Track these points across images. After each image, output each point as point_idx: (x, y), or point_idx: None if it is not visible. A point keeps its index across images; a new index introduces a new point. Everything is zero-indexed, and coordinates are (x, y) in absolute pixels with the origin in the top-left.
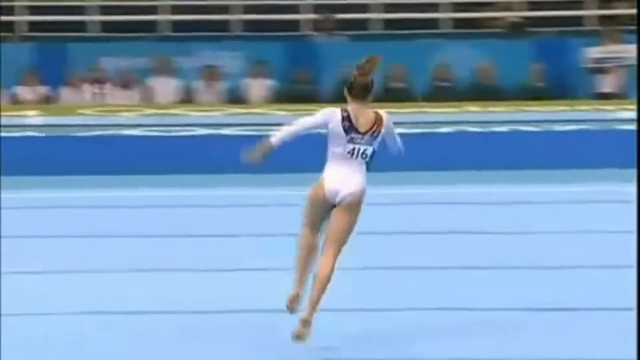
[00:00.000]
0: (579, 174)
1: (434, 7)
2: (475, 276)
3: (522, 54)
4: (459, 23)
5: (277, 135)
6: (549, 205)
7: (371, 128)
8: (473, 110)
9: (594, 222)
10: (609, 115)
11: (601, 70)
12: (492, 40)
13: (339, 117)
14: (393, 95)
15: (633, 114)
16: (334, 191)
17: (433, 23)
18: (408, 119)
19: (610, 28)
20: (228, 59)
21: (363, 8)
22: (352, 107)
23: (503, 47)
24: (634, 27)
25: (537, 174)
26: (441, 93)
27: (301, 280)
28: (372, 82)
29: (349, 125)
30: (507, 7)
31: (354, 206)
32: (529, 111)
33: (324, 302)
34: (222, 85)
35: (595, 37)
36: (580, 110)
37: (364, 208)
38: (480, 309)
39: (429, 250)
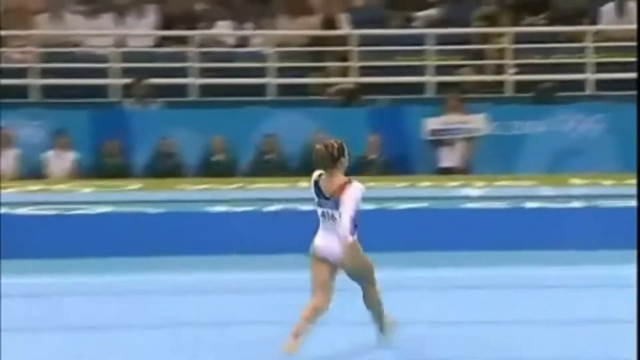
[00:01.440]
0: (421, 257)
1: (258, 72)
2: None
3: (357, 123)
4: (286, 89)
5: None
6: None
7: (334, 193)
8: (304, 187)
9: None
10: (452, 193)
11: (443, 143)
12: (324, 108)
13: (313, 185)
14: (213, 170)
15: (479, 192)
16: (323, 252)
17: (258, 89)
18: (231, 196)
19: (451, 96)
20: (25, 129)
21: (180, 72)
22: (323, 174)
23: (336, 116)
24: (477, 96)
25: (377, 257)
26: (268, 167)
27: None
28: (334, 152)
29: (317, 190)
30: (340, 73)
31: (347, 263)
32: (366, 187)
33: None
34: (15, 153)
35: (436, 106)
36: (421, 187)
37: (359, 254)
38: None
39: None
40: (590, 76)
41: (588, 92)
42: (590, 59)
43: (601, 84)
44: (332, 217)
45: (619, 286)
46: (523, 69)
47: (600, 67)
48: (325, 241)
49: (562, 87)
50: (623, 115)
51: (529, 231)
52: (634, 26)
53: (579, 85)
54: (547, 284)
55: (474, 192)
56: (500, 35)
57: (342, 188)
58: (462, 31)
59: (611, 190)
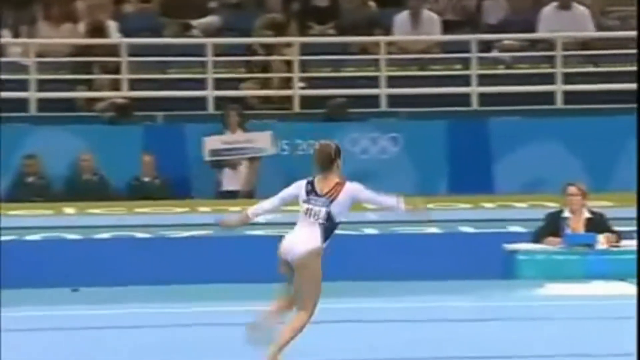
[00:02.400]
0: (202, 290)
1: (17, 85)
2: None
3: (130, 142)
4: (49, 104)
5: (256, 208)
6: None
7: (329, 192)
8: (70, 213)
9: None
10: None
11: (225, 164)
12: (92, 125)
13: (304, 183)
14: None
15: (264, 217)
16: (285, 250)
17: (17, 104)
18: None
19: (233, 112)
20: None
21: None
22: (317, 175)
23: (106, 134)
24: (262, 112)
25: (153, 292)
26: (29, 191)
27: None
28: (331, 154)
29: (310, 189)
30: (110, 86)
31: (300, 267)
32: (140, 214)
33: None
34: None
35: (217, 123)
36: (201, 213)
37: (316, 267)
38: None
39: None
40: (384, 91)
41: (382, 108)
42: (384, 72)
43: (395, 99)
44: (317, 215)
45: (410, 321)
46: (312, 82)
47: (394, 81)
48: (292, 237)
49: (354, 103)
50: (419, 133)
51: None
52: (430, 37)
53: (372, 100)
54: (337, 319)
55: (259, 217)
56: (286, 45)
57: (339, 187)
58: (244, 41)
59: (407, 216)
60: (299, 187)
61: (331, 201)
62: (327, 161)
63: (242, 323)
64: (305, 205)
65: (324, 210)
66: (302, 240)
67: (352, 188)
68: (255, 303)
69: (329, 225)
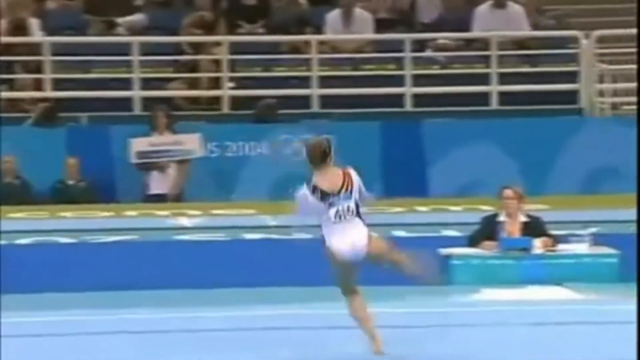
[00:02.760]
0: (128, 296)
1: None
2: None
3: (53, 144)
4: None
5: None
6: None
7: (343, 186)
8: None
9: None
10: (163, 223)
11: (152, 166)
12: (14, 127)
13: (309, 191)
14: None
15: (194, 222)
16: (350, 253)
17: None
18: None
19: (160, 113)
20: None
21: None
22: (315, 175)
23: (29, 135)
24: (190, 113)
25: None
26: None
27: (373, 336)
28: (326, 149)
29: (321, 194)
30: (32, 86)
31: (372, 252)
32: (63, 218)
33: None
34: None
35: (144, 124)
36: (127, 217)
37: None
38: None
39: None
40: (315, 91)
41: (314, 108)
42: (315, 72)
43: (327, 100)
44: (349, 210)
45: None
46: (241, 82)
47: (326, 81)
48: (346, 240)
49: (284, 103)
50: (351, 134)
51: (248, 266)
52: (362, 36)
53: (304, 101)
54: (278, 325)
55: (188, 222)
56: (215, 44)
57: (347, 177)
58: (171, 39)
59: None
60: (306, 195)
61: (351, 192)
62: (323, 157)
63: (170, 330)
64: (332, 210)
65: (351, 204)
66: (355, 236)
67: (356, 178)
68: (183, 310)
69: (359, 211)
